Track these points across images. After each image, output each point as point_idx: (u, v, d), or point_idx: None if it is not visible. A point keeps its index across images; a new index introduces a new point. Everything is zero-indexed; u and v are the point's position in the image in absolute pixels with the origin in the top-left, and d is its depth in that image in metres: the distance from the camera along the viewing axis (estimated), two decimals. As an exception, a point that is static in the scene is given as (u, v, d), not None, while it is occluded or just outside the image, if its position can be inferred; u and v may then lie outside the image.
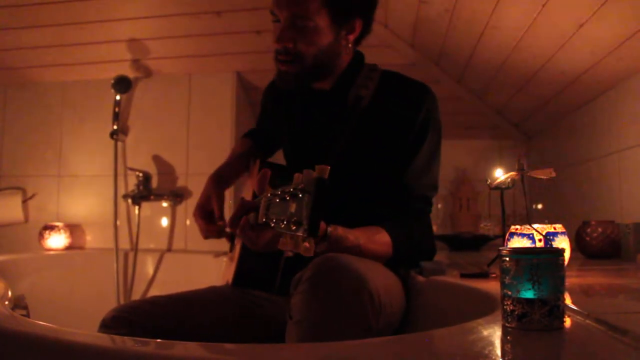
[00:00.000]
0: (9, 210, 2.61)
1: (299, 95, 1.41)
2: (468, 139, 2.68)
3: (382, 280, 1.06)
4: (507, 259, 0.64)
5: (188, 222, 2.55)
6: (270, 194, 0.88)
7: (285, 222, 0.79)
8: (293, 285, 1.03)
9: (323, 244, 1.05)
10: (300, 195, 0.76)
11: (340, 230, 1.08)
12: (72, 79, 2.70)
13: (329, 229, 1.05)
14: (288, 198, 0.80)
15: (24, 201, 2.66)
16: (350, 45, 1.31)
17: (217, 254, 2.28)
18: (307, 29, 1.21)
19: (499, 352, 0.57)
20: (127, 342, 0.74)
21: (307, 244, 0.78)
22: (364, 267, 1.00)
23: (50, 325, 0.74)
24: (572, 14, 1.54)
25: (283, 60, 1.26)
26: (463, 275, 1.19)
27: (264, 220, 0.89)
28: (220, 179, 1.46)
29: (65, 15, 2.33)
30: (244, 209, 1.00)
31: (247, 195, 1.47)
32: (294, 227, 0.76)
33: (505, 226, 1.29)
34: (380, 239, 1.18)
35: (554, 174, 1.08)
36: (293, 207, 0.78)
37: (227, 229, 1.43)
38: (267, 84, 1.60)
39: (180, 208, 2.56)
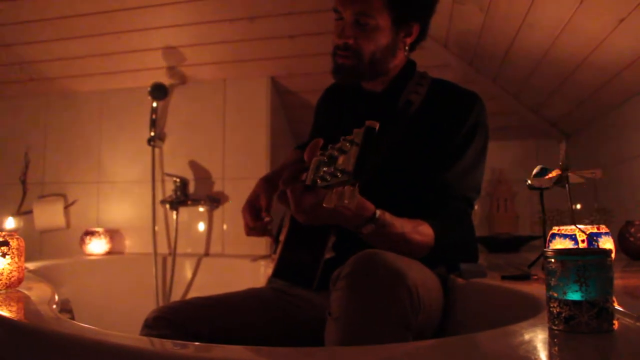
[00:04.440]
0: (51, 216, 2.68)
1: (351, 97, 1.44)
2: (504, 139, 2.63)
3: (421, 277, 1.06)
4: (553, 260, 0.63)
5: (225, 226, 2.57)
6: (321, 154, 0.89)
7: (331, 173, 0.79)
8: (332, 281, 1.03)
9: (370, 226, 1.07)
10: (349, 146, 0.77)
11: (388, 216, 1.09)
12: (110, 88, 2.75)
13: (378, 212, 1.06)
14: (337, 154, 0.81)
15: (66, 207, 2.72)
16: (406, 48, 1.35)
17: (255, 258, 2.29)
18: (369, 27, 1.26)
19: (546, 355, 0.56)
20: (166, 345, 0.75)
21: (350, 192, 0.78)
22: (402, 263, 0.99)
23: (94, 328, 0.76)
24: (612, 8, 1.51)
25: (342, 55, 1.30)
26: (504, 278, 1.17)
27: (312, 179, 0.89)
28: (270, 181, 1.48)
29: (103, 26, 2.39)
30: (295, 170, 1.00)
31: None
32: (340, 176, 0.77)
33: (545, 227, 1.26)
34: (423, 230, 1.18)
35: (599, 175, 1.06)
36: (341, 160, 0.79)
37: (269, 228, 1.45)
38: (321, 95, 1.64)
39: (217, 213, 2.59)
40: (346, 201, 0.78)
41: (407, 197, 1.28)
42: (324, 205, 0.85)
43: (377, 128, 0.76)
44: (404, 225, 1.14)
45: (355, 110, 1.43)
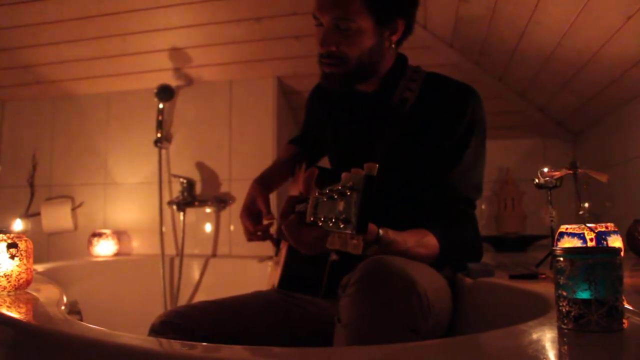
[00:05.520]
0: (59, 218, 2.69)
1: (343, 98, 1.42)
2: (511, 139, 2.63)
3: (430, 281, 1.05)
4: (562, 259, 0.63)
5: (232, 227, 2.57)
6: (319, 194, 0.88)
7: (333, 221, 0.78)
8: (341, 288, 1.03)
9: (374, 247, 1.05)
10: (349, 194, 0.76)
11: (391, 234, 1.08)
12: (116, 90, 2.76)
13: (381, 231, 1.05)
14: (336, 197, 0.79)
15: (73, 209, 2.73)
16: (393, 46, 1.31)
17: (262, 259, 2.29)
18: (350, 31, 1.22)
19: (555, 354, 0.56)
20: (175, 345, 0.76)
21: (355, 242, 0.77)
22: (411, 268, 0.99)
23: (103, 329, 0.76)
24: (619, 6, 1.50)
25: (327, 63, 1.26)
26: (512, 277, 1.16)
27: (312, 219, 0.89)
28: (265, 182, 1.47)
29: (108, 28, 2.39)
30: (292, 203, 0.99)
31: None
32: (342, 225, 0.76)
33: (553, 226, 1.26)
34: (427, 242, 1.17)
35: (605, 179, 1.05)
36: (341, 206, 0.77)
37: (273, 231, 1.44)
38: (311, 90, 1.61)
39: (224, 213, 2.59)
40: (350, 250, 0.77)
41: (406, 197, 1.26)
42: (327, 246, 0.84)
43: (375, 172, 0.75)
44: (407, 241, 1.12)
45: (350, 111, 1.41)
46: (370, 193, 0.73)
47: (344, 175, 0.79)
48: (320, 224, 0.84)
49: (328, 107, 1.49)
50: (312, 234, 0.96)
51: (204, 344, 0.71)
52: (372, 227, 1.04)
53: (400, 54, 1.38)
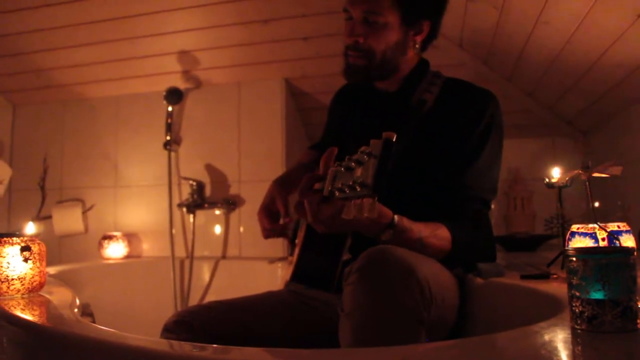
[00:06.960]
0: (70, 221, 2.70)
1: (365, 97, 1.44)
2: (520, 138, 2.61)
3: (432, 272, 1.06)
4: (574, 259, 0.62)
5: (242, 229, 2.58)
6: (337, 165, 0.88)
7: (350, 185, 0.79)
8: (344, 278, 1.04)
9: (389, 232, 1.07)
10: (367, 159, 0.76)
11: (406, 221, 1.10)
12: (126, 93, 2.78)
13: (396, 217, 1.06)
14: (354, 165, 0.80)
15: (84, 212, 2.75)
16: (417, 46, 1.35)
17: (272, 260, 2.30)
18: (378, 25, 1.27)
19: (569, 355, 0.55)
20: (185, 347, 0.76)
21: (371, 204, 0.77)
22: (412, 257, 1.00)
23: (115, 331, 0.76)
24: (629, 3, 1.49)
25: (353, 55, 1.31)
26: (523, 277, 1.16)
27: (330, 189, 0.89)
28: (284, 183, 1.48)
29: (117, 32, 2.41)
30: (311, 180, 1.00)
31: None
32: (359, 189, 0.77)
33: (564, 225, 1.25)
34: (440, 234, 1.18)
35: (619, 171, 1.05)
36: (359, 172, 0.78)
37: (287, 229, 1.45)
38: (334, 94, 1.64)
39: (233, 215, 2.60)
40: (366, 214, 0.78)
41: (421, 197, 1.27)
42: (343, 217, 0.85)
43: (394, 139, 0.75)
44: (421, 230, 1.14)
45: (369, 109, 1.43)
46: (388, 157, 0.74)
47: (362, 148, 0.80)
48: (337, 194, 0.84)
49: (350, 108, 1.52)
50: (329, 211, 0.97)
51: (214, 345, 0.72)
52: (387, 211, 1.06)
53: (422, 59, 1.41)
